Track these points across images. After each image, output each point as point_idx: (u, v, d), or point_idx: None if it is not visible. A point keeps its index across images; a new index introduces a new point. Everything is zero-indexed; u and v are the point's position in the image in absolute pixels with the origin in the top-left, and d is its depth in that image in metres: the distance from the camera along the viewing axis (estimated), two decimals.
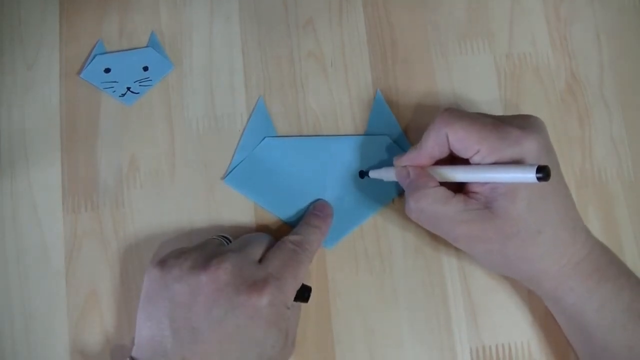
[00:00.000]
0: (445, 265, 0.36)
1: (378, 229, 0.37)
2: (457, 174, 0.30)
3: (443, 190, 0.30)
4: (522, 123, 0.29)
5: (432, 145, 0.31)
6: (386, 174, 0.35)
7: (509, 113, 0.38)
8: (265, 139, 0.37)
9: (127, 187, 0.37)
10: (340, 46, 0.39)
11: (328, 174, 0.37)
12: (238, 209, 0.37)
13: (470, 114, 0.30)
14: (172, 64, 0.38)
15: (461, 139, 0.29)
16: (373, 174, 0.36)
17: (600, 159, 0.38)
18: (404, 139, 0.37)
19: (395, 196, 0.37)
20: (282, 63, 0.39)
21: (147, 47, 0.38)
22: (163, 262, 0.30)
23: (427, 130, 0.31)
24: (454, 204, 0.29)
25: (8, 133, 0.37)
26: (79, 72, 0.38)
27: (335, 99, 0.38)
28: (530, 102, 0.38)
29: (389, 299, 0.36)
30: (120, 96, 0.38)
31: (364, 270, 0.36)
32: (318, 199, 0.36)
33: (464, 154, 0.30)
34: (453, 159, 0.32)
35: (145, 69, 0.38)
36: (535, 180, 0.25)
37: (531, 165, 0.26)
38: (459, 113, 0.30)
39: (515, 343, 0.35)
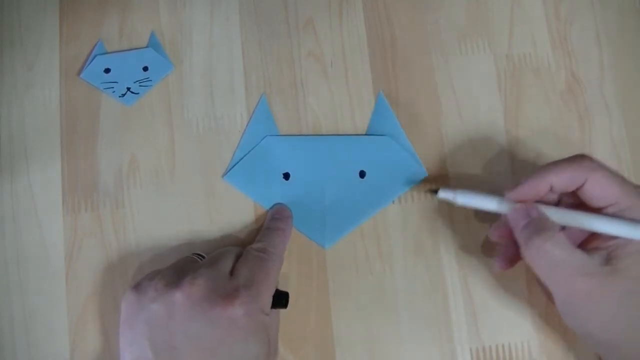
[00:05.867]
0: (445, 265, 0.36)
1: (378, 229, 0.37)
2: (575, 220, 0.30)
3: (566, 238, 0.28)
4: None
5: (562, 183, 0.29)
6: (484, 204, 0.32)
7: (509, 113, 0.38)
8: (266, 137, 0.37)
9: (127, 187, 0.37)
10: (340, 46, 0.39)
11: (328, 174, 0.37)
12: (238, 209, 0.37)
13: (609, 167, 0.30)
14: (172, 64, 0.38)
15: (603, 186, 0.29)
16: (464, 199, 0.32)
17: (600, 159, 0.38)
18: (406, 139, 0.37)
19: (395, 197, 0.37)
20: (282, 63, 0.39)
21: (147, 47, 0.38)
22: (138, 286, 0.30)
23: (554, 168, 0.30)
24: (580, 254, 0.28)
25: (8, 133, 0.37)
26: (79, 73, 0.38)
27: (335, 99, 0.38)
28: (530, 102, 0.38)
29: (389, 299, 0.36)
30: (120, 96, 0.38)
31: (364, 270, 0.36)
32: (277, 203, 0.36)
33: (597, 203, 0.29)
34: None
35: (145, 69, 0.38)
36: None
37: None
38: (601, 163, 0.30)
39: (515, 343, 0.35)
